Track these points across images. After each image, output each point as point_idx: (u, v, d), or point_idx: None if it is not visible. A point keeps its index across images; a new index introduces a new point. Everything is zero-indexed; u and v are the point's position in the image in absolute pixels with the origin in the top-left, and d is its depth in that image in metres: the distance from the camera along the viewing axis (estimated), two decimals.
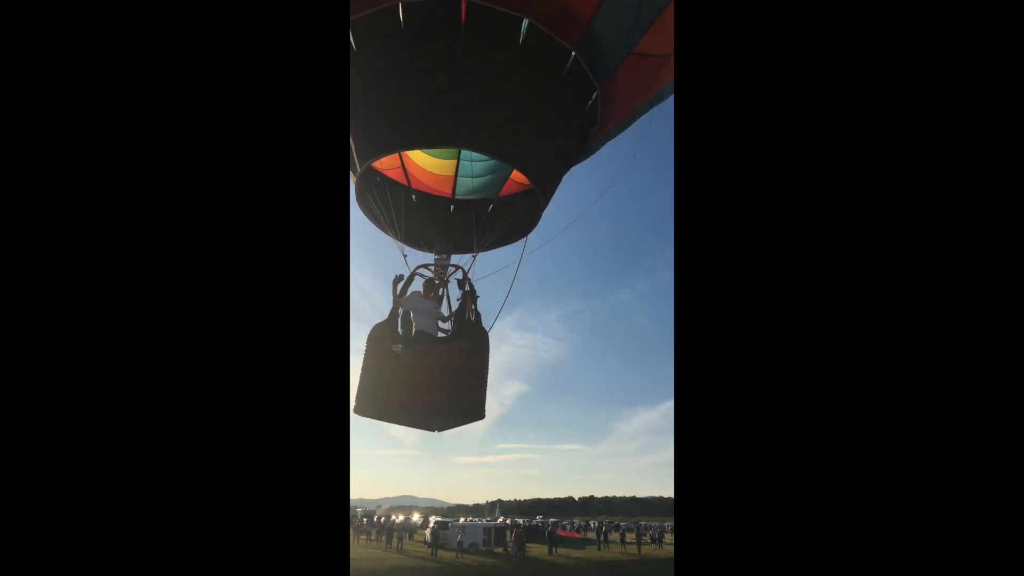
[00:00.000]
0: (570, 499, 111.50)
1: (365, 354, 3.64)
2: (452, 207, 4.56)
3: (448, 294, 4.25)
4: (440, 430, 3.89)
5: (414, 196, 4.56)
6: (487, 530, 24.33)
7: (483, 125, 3.49)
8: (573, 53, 3.48)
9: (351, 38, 3.51)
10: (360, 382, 3.58)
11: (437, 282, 4.17)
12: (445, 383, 3.53)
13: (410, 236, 4.26)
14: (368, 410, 3.50)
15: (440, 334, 3.90)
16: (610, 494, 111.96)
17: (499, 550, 22.86)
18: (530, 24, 3.32)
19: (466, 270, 4.15)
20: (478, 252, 4.19)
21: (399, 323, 3.63)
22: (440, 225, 4.47)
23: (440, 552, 21.60)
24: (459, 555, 21.40)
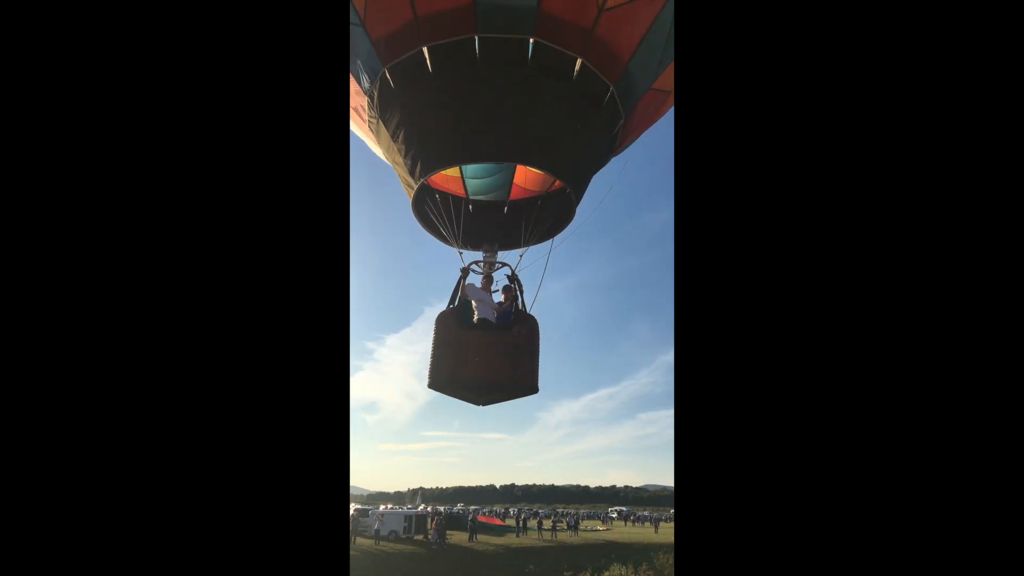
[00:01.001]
0: (492, 487, 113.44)
1: (435, 337, 4.21)
2: (506, 208, 5.18)
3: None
4: (486, 404, 4.53)
5: (470, 206, 5.13)
6: (407, 518, 24.40)
7: (538, 144, 4.15)
8: (612, 89, 4.22)
9: (427, 60, 4.02)
10: (433, 360, 4.15)
11: (485, 276, 4.78)
12: (509, 362, 4.18)
13: (462, 238, 4.83)
14: (441, 385, 4.08)
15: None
16: (530, 482, 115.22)
17: (419, 538, 23.03)
18: (582, 63, 4.01)
19: (513, 267, 4.81)
20: (525, 248, 4.86)
21: (463, 311, 4.23)
22: (489, 227, 5.07)
23: (358, 540, 20.98)
24: (377, 543, 21.31)
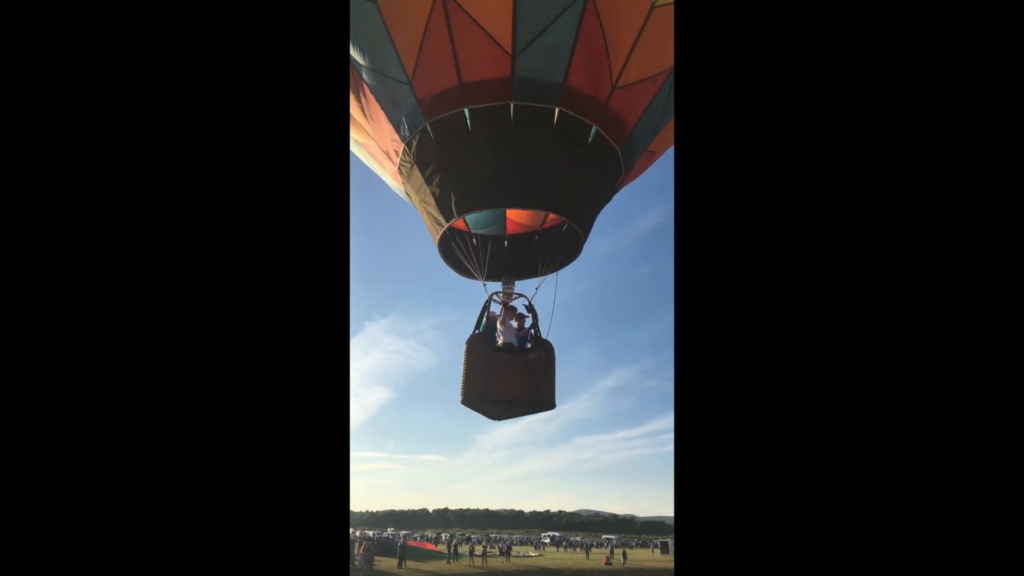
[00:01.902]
0: (425, 511, 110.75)
1: (467, 359, 4.79)
2: (506, 242, 5.85)
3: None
4: (505, 419, 5.14)
5: (506, 241, 5.78)
6: None
7: (558, 194, 4.91)
8: (618, 151, 5.06)
9: (467, 120, 4.69)
10: (466, 379, 4.72)
11: (504, 306, 5.42)
12: (532, 381, 4.82)
13: (478, 271, 5.46)
14: (472, 401, 4.65)
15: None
16: (465, 506, 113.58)
17: None
18: (596, 130, 4.82)
19: (530, 297, 5.48)
20: (543, 277, 5.56)
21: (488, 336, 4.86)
22: (503, 261, 5.72)
23: None
24: None
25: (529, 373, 4.86)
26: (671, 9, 4.47)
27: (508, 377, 4.78)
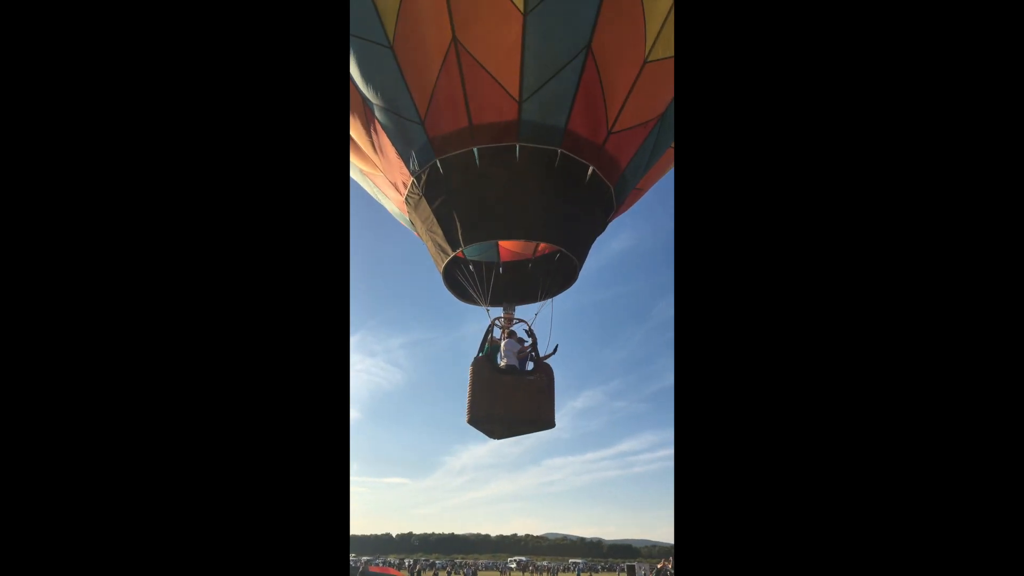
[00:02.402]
0: (388, 536, 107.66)
1: (472, 379, 5.08)
2: (500, 269, 6.19)
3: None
4: (506, 437, 5.43)
5: (500, 268, 6.09)
6: None
7: (559, 227, 5.32)
8: (612, 189, 5.51)
9: (475, 158, 5.06)
10: (472, 399, 5.00)
11: (505, 330, 5.74)
12: (534, 401, 5.13)
13: (481, 297, 5.78)
14: (478, 420, 4.93)
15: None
16: (430, 531, 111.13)
17: None
18: (593, 170, 5.27)
19: (529, 322, 5.82)
20: (542, 301, 5.91)
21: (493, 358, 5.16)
22: (503, 288, 6.05)
23: None
24: None
25: (531, 394, 5.19)
26: (661, 64, 5.00)
27: (512, 398, 5.10)
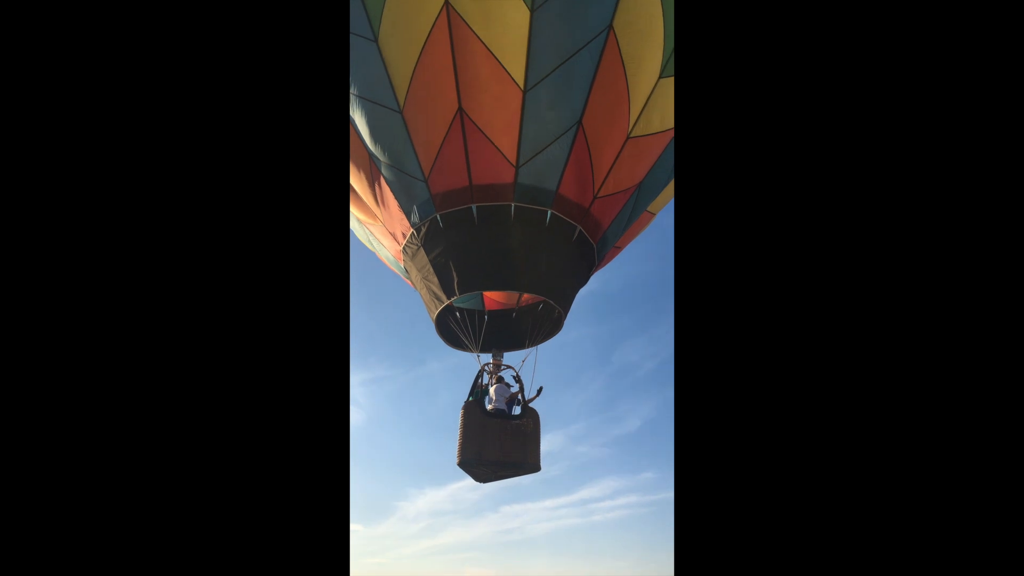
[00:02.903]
0: None
1: (463, 423, 5.33)
2: (486, 316, 6.54)
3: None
4: (491, 481, 5.63)
5: (486, 316, 6.43)
6: None
7: (547, 281, 5.76)
8: (595, 247, 6.02)
9: (474, 215, 5.49)
10: (463, 441, 5.24)
11: (493, 375, 6.04)
12: (522, 445, 5.40)
13: (472, 344, 6.10)
14: (467, 462, 5.16)
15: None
16: None
17: None
18: (579, 231, 5.79)
19: (516, 369, 6.14)
20: (529, 347, 6.26)
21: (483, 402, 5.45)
22: (493, 335, 6.38)
23: None
24: None
25: (519, 438, 5.47)
26: (641, 140, 5.64)
27: (501, 442, 5.37)
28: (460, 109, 5.23)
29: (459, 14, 4.96)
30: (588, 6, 5.01)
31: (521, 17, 4.94)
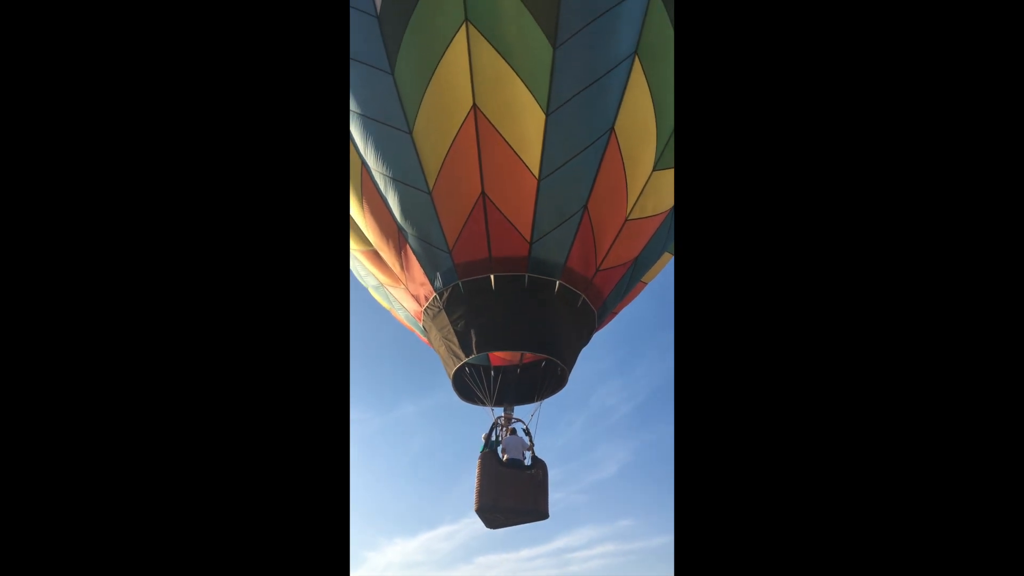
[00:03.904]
0: None
1: (481, 472, 5.87)
2: (500, 373, 7.15)
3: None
4: (500, 527, 6.11)
5: (500, 372, 7.05)
6: None
7: (555, 343, 6.47)
8: (596, 313, 6.79)
9: (492, 283, 6.22)
10: (480, 489, 5.75)
11: (506, 427, 6.62)
12: (533, 494, 5.93)
13: (487, 399, 6.70)
14: (484, 508, 5.66)
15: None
16: None
17: None
18: (583, 299, 6.56)
19: (526, 422, 6.74)
20: (538, 402, 6.86)
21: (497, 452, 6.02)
22: (502, 390, 7.00)
23: None
24: None
25: (531, 487, 6.01)
26: (638, 221, 6.53)
27: (515, 490, 5.90)
28: (483, 193, 6.06)
29: (484, 115, 5.88)
30: (593, 112, 5.97)
31: (537, 119, 5.87)
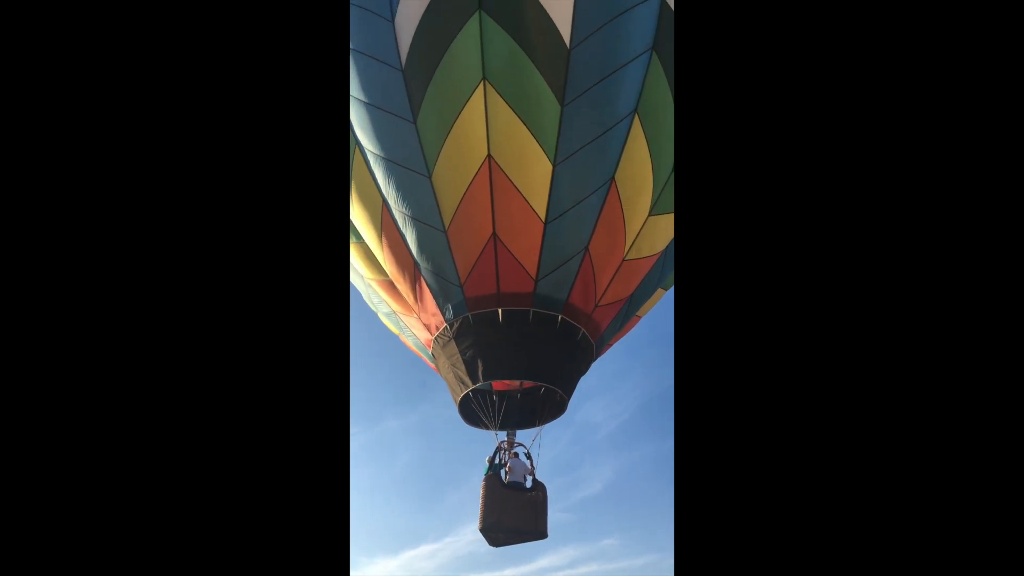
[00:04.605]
0: None
1: (485, 493, 6.34)
2: (504, 399, 7.64)
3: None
4: (503, 545, 6.54)
5: (504, 397, 7.54)
6: None
7: (556, 371, 6.99)
8: (594, 345, 7.33)
9: (499, 316, 6.75)
10: (485, 510, 6.21)
11: (509, 451, 7.09)
12: (534, 514, 6.39)
13: (492, 423, 7.19)
14: (488, 527, 6.11)
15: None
16: None
17: None
18: (583, 332, 7.10)
19: (527, 446, 7.21)
20: (540, 427, 7.34)
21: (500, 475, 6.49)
22: (507, 414, 7.49)
23: None
24: None
25: (532, 508, 6.47)
26: (633, 262, 7.12)
27: (516, 510, 6.36)
28: (494, 234, 6.63)
29: (498, 164, 6.48)
30: (596, 163, 6.59)
31: (545, 169, 6.48)
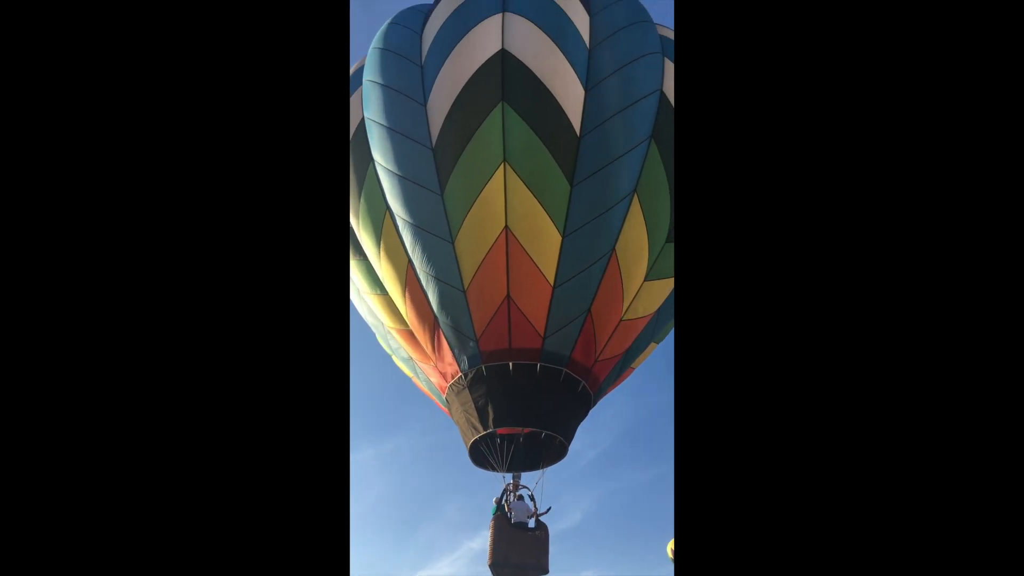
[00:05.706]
0: None
1: (494, 532, 7.02)
2: (508, 442, 8.36)
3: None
4: None
5: (511, 441, 8.26)
6: None
7: (558, 420, 7.77)
8: (592, 396, 8.14)
9: (510, 369, 7.55)
10: (493, 547, 6.89)
11: (514, 492, 7.79)
12: (538, 552, 7.07)
13: (500, 466, 7.89)
14: (496, 563, 6.78)
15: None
16: None
17: None
18: (583, 385, 7.91)
19: (531, 488, 7.91)
20: (544, 470, 8.04)
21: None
22: (514, 458, 8.20)
23: None
24: None
25: (536, 546, 7.15)
26: (630, 322, 7.98)
27: (521, 548, 7.03)
28: (508, 295, 7.48)
29: (514, 234, 7.38)
30: (599, 236, 7.52)
31: (555, 240, 7.40)
